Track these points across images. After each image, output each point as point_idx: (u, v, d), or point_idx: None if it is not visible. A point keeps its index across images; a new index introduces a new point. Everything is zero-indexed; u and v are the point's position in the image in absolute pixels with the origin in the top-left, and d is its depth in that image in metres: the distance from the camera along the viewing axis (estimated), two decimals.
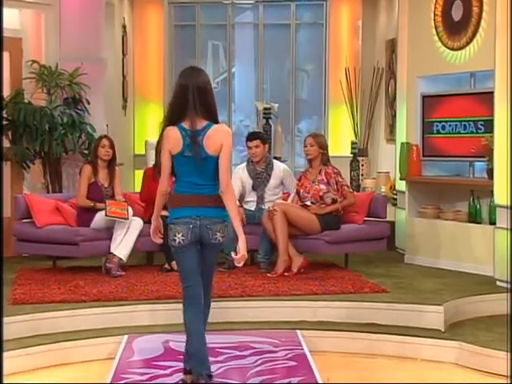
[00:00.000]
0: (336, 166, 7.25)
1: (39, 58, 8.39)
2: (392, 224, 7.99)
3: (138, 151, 10.33)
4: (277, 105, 9.76)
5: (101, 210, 6.92)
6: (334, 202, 7.06)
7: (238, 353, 5.06)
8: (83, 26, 8.50)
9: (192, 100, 4.17)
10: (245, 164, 7.55)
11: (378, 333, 5.59)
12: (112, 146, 7.20)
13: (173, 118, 4.25)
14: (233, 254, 4.25)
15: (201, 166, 4.20)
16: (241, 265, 4.29)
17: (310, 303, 5.96)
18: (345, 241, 7.10)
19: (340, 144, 10.18)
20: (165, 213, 4.46)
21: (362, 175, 9.73)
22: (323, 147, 7.13)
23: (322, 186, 7.05)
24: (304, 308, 5.93)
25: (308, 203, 7.06)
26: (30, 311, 5.58)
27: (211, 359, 4.57)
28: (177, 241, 4.24)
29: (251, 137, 7.53)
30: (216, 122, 4.24)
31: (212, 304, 4.57)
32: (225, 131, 4.23)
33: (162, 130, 4.28)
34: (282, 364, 4.89)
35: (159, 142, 4.34)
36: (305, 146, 7.20)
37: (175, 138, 4.20)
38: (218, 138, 4.17)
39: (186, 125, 4.20)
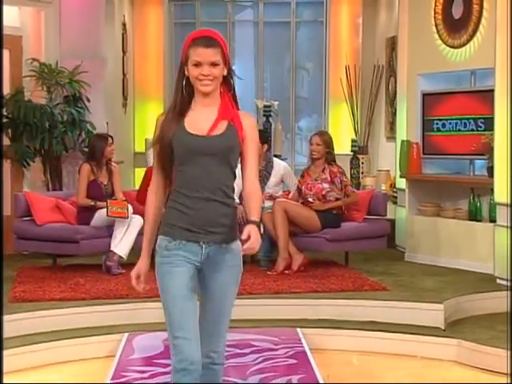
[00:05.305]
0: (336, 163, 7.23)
1: (39, 55, 8.38)
2: (392, 222, 7.99)
3: (138, 149, 10.32)
4: (277, 103, 9.76)
5: (101, 208, 6.92)
6: (338, 200, 7.03)
7: (239, 351, 5.06)
8: (83, 23, 8.49)
9: None
10: None
11: (378, 330, 5.60)
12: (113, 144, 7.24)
13: None
14: None
15: None
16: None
17: (311, 301, 5.96)
18: (345, 239, 7.09)
19: (340, 142, 10.12)
20: None
21: (362, 173, 9.72)
22: (329, 146, 7.06)
23: (325, 185, 6.98)
24: (304, 306, 5.93)
25: (310, 199, 7.00)
26: (30, 309, 5.58)
27: None
28: None
29: None
30: None
31: None
32: None
33: None
34: (282, 362, 4.89)
35: None
36: (311, 145, 7.11)
37: None
38: None
39: None
